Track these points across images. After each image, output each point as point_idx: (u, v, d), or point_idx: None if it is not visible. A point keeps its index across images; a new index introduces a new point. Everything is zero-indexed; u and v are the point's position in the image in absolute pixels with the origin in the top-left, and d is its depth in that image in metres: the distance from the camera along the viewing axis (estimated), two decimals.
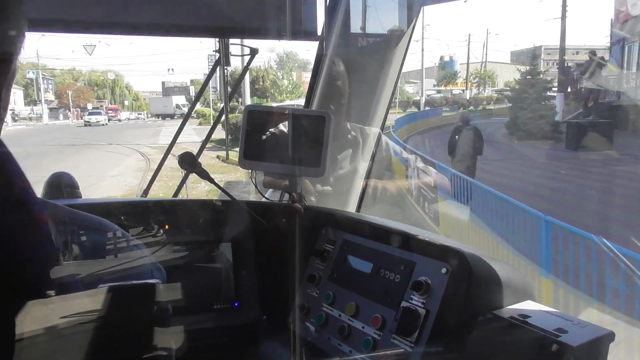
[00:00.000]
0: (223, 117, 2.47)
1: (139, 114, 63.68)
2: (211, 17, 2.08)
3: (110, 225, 0.90)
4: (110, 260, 0.87)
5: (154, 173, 2.41)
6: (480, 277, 1.33)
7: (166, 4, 2.03)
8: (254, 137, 1.90)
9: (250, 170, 1.92)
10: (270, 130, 1.90)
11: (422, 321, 1.37)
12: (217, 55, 2.38)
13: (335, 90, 2.43)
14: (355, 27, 2.29)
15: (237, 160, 1.87)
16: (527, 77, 24.81)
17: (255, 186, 2.01)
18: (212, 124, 2.53)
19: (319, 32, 2.08)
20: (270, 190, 2.24)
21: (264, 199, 2.03)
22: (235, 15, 2.05)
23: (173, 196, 2.35)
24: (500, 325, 1.26)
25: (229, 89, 2.40)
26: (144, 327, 0.59)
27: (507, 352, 1.26)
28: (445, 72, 63.27)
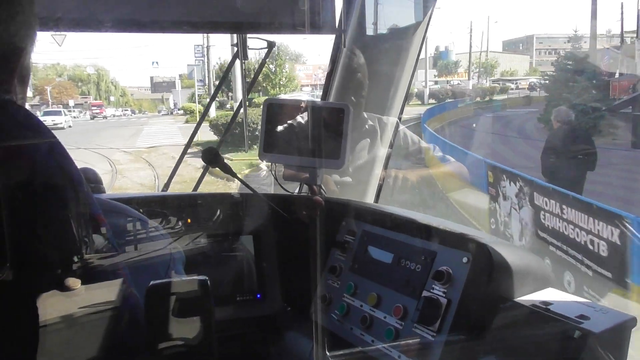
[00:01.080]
0: (241, 111, 2.48)
1: (124, 110, 59.37)
2: (228, 12, 2.10)
3: (139, 216, 0.93)
4: (140, 247, 0.92)
5: (174, 168, 2.44)
6: (501, 266, 1.33)
7: (184, 0, 2.04)
8: (273, 129, 1.92)
9: (270, 163, 1.94)
10: (290, 122, 1.91)
11: (444, 310, 1.38)
12: (235, 49, 2.39)
13: (354, 81, 2.44)
14: (371, 18, 2.29)
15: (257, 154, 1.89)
16: (567, 62, 21.96)
17: (275, 178, 2.03)
18: (198, 120, 2.53)
19: (336, 25, 2.08)
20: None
21: (284, 192, 2.05)
22: (252, 10, 2.06)
23: (193, 190, 2.38)
24: (522, 313, 1.27)
25: (225, 84, 2.41)
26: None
27: (529, 340, 1.27)
28: (446, 62, 61.69)
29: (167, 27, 1.98)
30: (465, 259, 1.40)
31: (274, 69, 39.07)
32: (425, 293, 1.46)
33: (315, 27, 1.93)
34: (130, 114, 55.92)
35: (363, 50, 2.31)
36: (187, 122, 31.07)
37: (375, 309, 1.59)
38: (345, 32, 2.23)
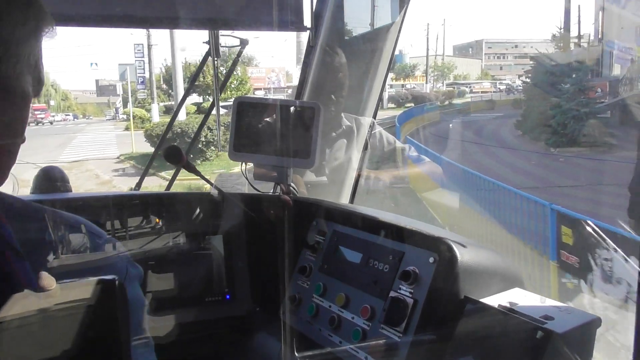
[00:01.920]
0: (213, 112, 2.45)
1: (66, 114, 54.65)
2: (200, 8, 2.07)
3: (80, 221, 0.88)
4: (79, 257, 0.85)
5: (146, 167, 2.41)
6: (467, 266, 1.33)
7: None
8: (244, 129, 1.90)
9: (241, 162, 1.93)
10: (260, 122, 1.90)
11: (410, 311, 1.37)
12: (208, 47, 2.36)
13: (334, 81, 2.43)
14: (345, 17, 2.28)
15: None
16: (552, 63, 20.11)
17: (246, 178, 2.01)
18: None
19: (308, 24, 2.07)
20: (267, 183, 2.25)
21: (255, 191, 2.03)
22: (225, 7, 2.04)
23: (166, 189, 2.35)
24: (487, 313, 1.26)
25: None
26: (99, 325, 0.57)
27: (493, 340, 1.26)
28: (402, 65, 60.48)
29: (133, 22, 1.95)
30: (431, 259, 1.39)
31: (224, 71, 37.67)
32: (392, 293, 1.45)
33: (287, 25, 1.92)
34: (72, 119, 52.75)
35: (336, 48, 2.30)
36: (126, 129, 28.43)
37: (343, 310, 1.57)
38: (317, 30, 2.22)
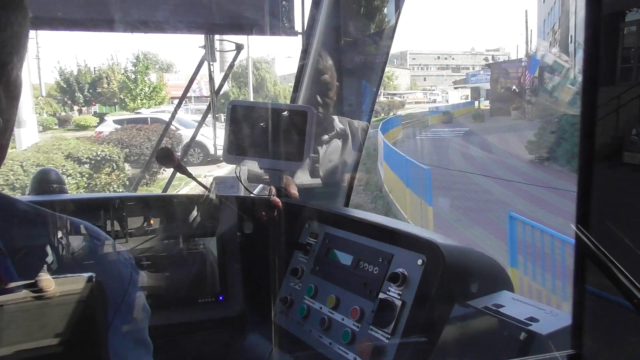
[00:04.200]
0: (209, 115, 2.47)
1: None
2: (196, 13, 2.10)
3: (84, 226, 0.87)
4: (82, 261, 0.85)
5: (143, 169, 2.43)
6: (455, 268, 1.35)
7: (150, 0, 2.04)
8: (237, 132, 1.92)
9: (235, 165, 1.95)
10: (254, 125, 1.92)
11: (398, 312, 1.39)
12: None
13: (320, 83, 2.44)
14: (339, 21, 2.30)
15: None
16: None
17: (240, 180, 2.03)
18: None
19: (300, 28, 2.09)
20: (261, 185, 2.26)
21: (249, 194, 2.05)
22: (218, 11, 2.06)
23: (162, 191, 2.37)
24: (474, 315, 1.28)
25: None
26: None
27: (478, 341, 1.28)
28: None
29: (129, 26, 1.97)
30: (420, 261, 1.41)
31: (133, 77, 32.41)
32: (381, 295, 1.46)
33: (280, 30, 1.94)
34: None
35: (330, 53, 2.32)
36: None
37: (334, 311, 1.59)
38: (311, 35, 2.24)
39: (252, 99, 32.63)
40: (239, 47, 2.34)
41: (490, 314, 1.25)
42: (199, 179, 2.00)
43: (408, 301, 1.39)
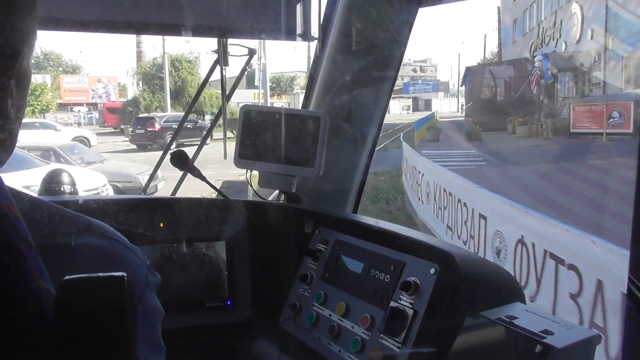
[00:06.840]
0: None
1: None
2: (210, 17, 2.10)
3: (100, 226, 0.86)
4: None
5: (152, 172, 2.42)
6: (468, 278, 1.33)
7: (164, 3, 2.04)
8: (249, 136, 1.92)
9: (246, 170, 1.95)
10: (266, 130, 1.91)
11: (410, 321, 1.38)
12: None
13: (334, 90, 2.43)
14: (352, 28, 2.29)
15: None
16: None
17: (251, 185, 2.02)
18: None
19: (315, 34, 2.09)
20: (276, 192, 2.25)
21: (259, 198, 2.05)
22: (234, 15, 2.06)
23: (171, 194, 2.36)
24: (487, 326, 1.26)
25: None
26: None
27: (492, 354, 1.26)
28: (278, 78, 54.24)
29: (143, 29, 1.97)
30: (432, 270, 1.40)
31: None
32: (392, 303, 1.45)
33: (293, 34, 1.94)
34: None
35: (343, 58, 2.32)
36: None
37: (343, 319, 1.58)
38: (324, 40, 2.23)
39: (169, 106, 31.03)
40: (251, 52, 2.34)
41: (504, 325, 1.23)
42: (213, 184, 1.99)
43: (420, 310, 1.37)
